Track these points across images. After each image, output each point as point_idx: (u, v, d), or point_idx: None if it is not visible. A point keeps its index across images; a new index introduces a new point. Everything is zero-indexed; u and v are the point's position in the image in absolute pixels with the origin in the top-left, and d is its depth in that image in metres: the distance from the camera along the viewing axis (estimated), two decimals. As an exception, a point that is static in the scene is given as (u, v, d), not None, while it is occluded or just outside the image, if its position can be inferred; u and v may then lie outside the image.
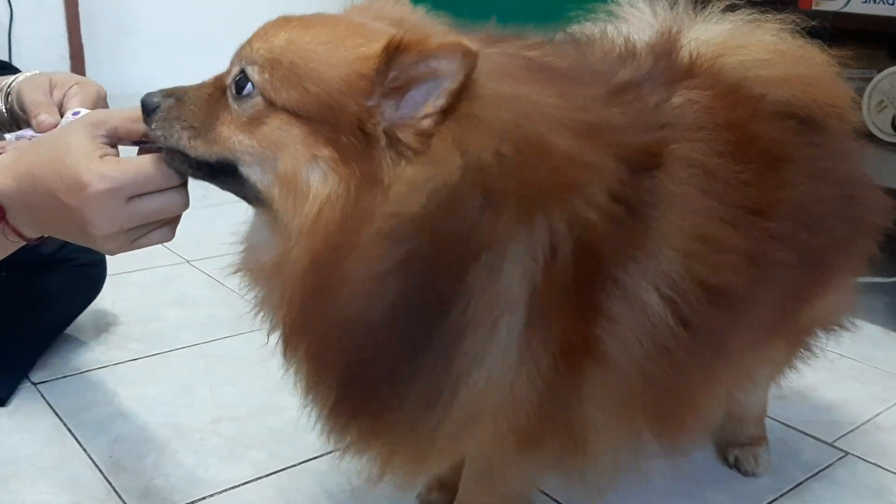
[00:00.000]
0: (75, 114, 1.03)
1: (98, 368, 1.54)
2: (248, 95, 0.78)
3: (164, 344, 1.64)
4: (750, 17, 1.07)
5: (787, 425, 1.45)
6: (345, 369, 0.81)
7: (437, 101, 0.72)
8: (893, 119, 1.80)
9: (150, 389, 1.48)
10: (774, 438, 1.37)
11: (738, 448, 1.32)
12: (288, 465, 1.28)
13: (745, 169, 0.93)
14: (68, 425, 1.36)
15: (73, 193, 0.83)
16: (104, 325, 1.70)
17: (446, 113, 0.73)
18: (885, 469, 1.34)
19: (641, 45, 1.02)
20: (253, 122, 0.78)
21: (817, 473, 1.32)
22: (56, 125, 1.02)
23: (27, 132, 1.04)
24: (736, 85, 1.00)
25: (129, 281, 1.91)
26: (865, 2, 1.79)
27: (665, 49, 1.01)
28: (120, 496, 1.20)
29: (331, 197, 0.75)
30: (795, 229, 1.00)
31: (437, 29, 0.86)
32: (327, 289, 0.77)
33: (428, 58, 0.72)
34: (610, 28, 1.11)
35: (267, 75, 0.77)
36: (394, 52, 0.73)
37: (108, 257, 1.67)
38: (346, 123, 0.75)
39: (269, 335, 0.91)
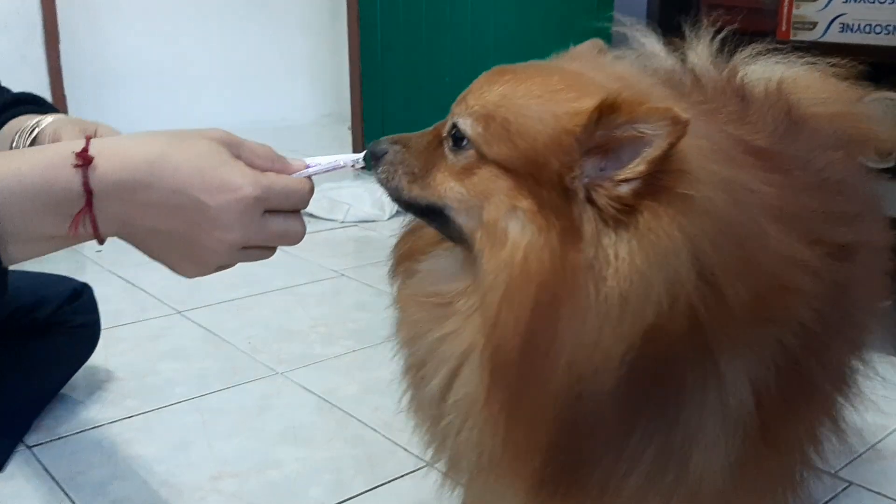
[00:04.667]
0: None
1: (93, 428, 1.52)
2: (463, 148, 0.81)
3: (159, 399, 1.63)
4: (804, 60, 1.16)
5: (789, 457, 1.44)
6: (557, 437, 0.75)
7: (637, 167, 0.70)
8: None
9: (147, 447, 1.46)
10: (777, 471, 1.36)
11: None
12: (291, 521, 1.27)
13: (853, 220, 0.97)
14: (65, 489, 1.34)
15: (215, 193, 0.80)
16: (98, 383, 1.69)
17: (652, 185, 0.70)
18: (890, 498, 1.34)
19: (754, 91, 1.07)
20: (464, 172, 0.81)
21: (822, 506, 1.32)
22: None
23: None
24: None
25: (121, 335, 1.90)
26: (843, 31, 1.82)
27: (777, 96, 1.05)
28: (121, 561, 1.18)
29: (533, 245, 0.74)
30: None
31: (655, 91, 0.84)
32: (547, 337, 0.73)
33: (636, 121, 0.70)
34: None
35: (481, 129, 0.79)
36: (606, 110, 0.71)
37: (101, 315, 1.66)
38: (548, 178, 0.75)
39: (404, 373, 0.91)
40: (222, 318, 2.02)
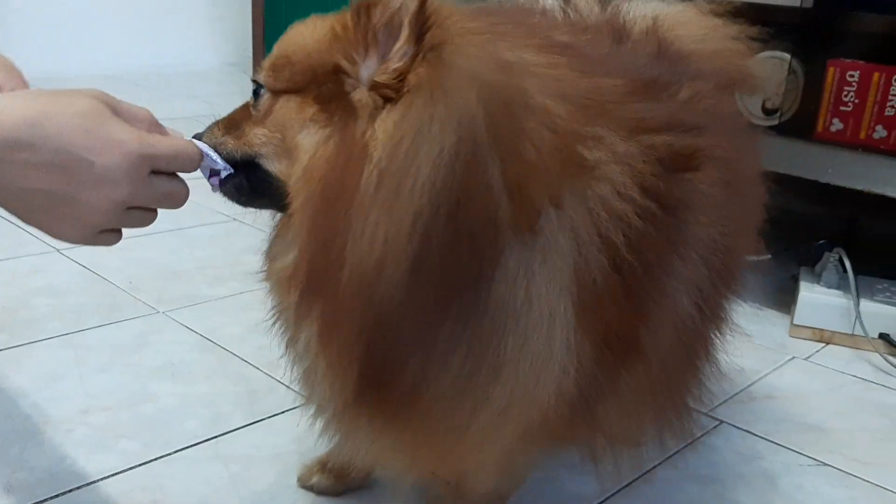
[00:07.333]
0: None
1: (-44, 361, 1.45)
2: (261, 96, 0.85)
3: (31, 334, 1.56)
4: None
5: (666, 398, 1.48)
6: (364, 339, 0.75)
7: (403, 34, 0.72)
8: (764, 103, 1.87)
9: (13, 381, 1.40)
10: (653, 410, 1.40)
11: None
12: (162, 453, 1.23)
13: (729, 150, 0.98)
14: (-79, 420, 1.27)
15: (101, 150, 0.76)
16: (-36, 316, 1.60)
17: (418, 50, 0.71)
18: (757, 435, 1.39)
19: (632, 24, 1.06)
20: (265, 116, 0.84)
21: (693, 442, 1.35)
22: None
23: None
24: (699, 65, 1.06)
25: (-7, 270, 1.81)
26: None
27: (650, 29, 1.06)
28: (-23, 492, 1.13)
29: (318, 144, 0.76)
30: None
31: None
32: (336, 241, 0.72)
33: (388, 3, 0.73)
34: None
35: (271, 72, 0.84)
36: (362, 7, 0.75)
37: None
38: (324, 73, 0.78)
39: (285, 344, 0.91)
40: (103, 258, 1.93)
